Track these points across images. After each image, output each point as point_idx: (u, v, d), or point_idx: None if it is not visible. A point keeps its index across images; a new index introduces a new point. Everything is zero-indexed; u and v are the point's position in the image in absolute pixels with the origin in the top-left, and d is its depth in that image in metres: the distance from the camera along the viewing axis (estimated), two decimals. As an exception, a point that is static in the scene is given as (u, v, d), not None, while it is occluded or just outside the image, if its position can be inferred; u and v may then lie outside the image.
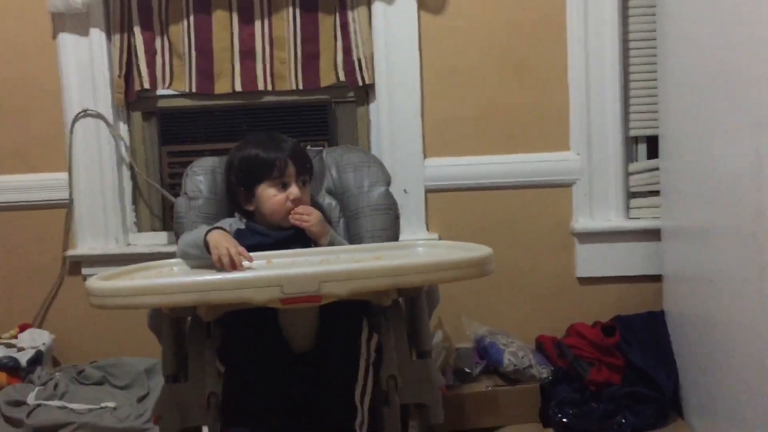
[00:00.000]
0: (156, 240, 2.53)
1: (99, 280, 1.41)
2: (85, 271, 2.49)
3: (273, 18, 2.41)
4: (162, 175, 2.56)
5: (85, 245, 2.49)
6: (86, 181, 2.48)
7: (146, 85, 2.45)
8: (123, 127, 2.51)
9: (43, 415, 2.06)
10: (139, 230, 2.57)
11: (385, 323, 1.52)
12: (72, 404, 2.10)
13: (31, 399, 2.11)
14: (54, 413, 2.07)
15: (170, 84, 2.46)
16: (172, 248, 1.78)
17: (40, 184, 2.49)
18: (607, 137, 2.38)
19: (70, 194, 2.47)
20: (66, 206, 2.48)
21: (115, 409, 2.11)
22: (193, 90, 2.45)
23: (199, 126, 2.55)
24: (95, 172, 2.48)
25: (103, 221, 2.49)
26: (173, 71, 2.46)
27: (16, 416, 2.07)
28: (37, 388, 2.16)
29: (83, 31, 2.42)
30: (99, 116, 2.45)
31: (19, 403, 2.11)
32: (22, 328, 2.41)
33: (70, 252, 2.49)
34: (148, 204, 2.59)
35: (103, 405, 2.11)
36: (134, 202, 2.56)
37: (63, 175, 2.47)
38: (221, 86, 2.44)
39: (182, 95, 2.49)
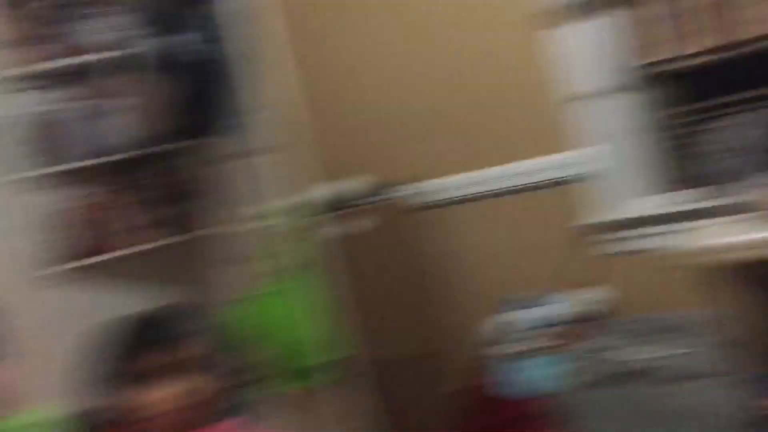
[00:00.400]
0: (682, 199, 2.54)
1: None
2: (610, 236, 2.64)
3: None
4: (678, 135, 2.62)
5: (606, 212, 2.64)
6: (605, 151, 2.64)
7: (659, 53, 2.52)
8: (635, 95, 2.63)
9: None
10: (660, 192, 2.64)
11: None
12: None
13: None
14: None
15: (683, 45, 2.49)
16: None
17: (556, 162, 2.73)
18: None
19: (591, 167, 2.64)
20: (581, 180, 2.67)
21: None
22: (710, 46, 2.44)
23: (715, 80, 2.54)
24: (615, 142, 2.64)
25: (625, 185, 2.65)
26: (682, 31, 2.48)
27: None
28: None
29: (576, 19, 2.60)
30: (605, 91, 2.62)
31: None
32: (573, 290, 2.64)
33: (594, 220, 2.65)
34: (670, 164, 2.65)
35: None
36: (659, 163, 2.64)
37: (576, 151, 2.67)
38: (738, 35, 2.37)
39: (695, 53, 2.49)
